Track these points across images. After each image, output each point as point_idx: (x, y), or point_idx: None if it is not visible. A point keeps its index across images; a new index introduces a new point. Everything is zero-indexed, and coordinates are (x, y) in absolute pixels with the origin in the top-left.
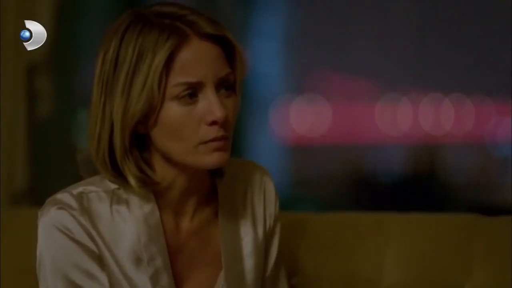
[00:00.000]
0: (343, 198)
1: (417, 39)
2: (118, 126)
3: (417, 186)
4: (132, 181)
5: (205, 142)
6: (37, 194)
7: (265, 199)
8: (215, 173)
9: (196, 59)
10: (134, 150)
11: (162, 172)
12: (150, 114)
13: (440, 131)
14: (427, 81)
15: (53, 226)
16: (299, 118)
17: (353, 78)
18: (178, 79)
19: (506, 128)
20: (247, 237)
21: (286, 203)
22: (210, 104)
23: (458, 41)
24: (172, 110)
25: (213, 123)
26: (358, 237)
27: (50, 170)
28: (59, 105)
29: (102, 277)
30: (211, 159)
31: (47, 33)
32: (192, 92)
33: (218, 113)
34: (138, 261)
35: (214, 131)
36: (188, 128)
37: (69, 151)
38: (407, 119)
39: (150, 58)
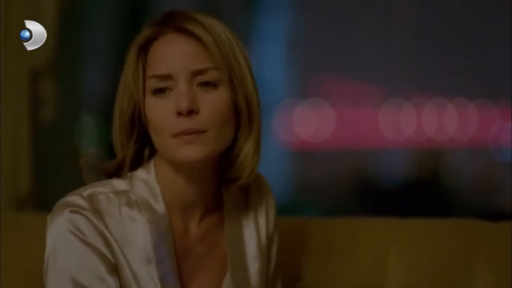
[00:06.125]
0: (346, 203)
1: (421, 44)
2: (116, 123)
3: (421, 191)
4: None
5: (176, 135)
6: (40, 199)
7: (267, 207)
8: (224, 181)
9: (167, 52)
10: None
11: (162, 171)
12: (141, 110)
13: (444, 136)
14: (430, 86)
15: (66, 229)
16: (302, 123)
17: (357, 83)
18: (150, 72)
19: (509, 133)
20: (251, 242)
21: (289, 208)
22: (178, 95)
23: (462, 46)
24: (150, 103)
25: (179, 114)
26: (361, 242)
27: (53, 175)
28: (63, 109)
29: (112, 281)
30: (182, 152)
31: (51, 37)
32: (165, 85)
33: (182, 103)
34: (148, 262)
35: (182, 123)
36: (161, 120)
37: (72, 156)
38: (411, 124)
39: (129, 53)
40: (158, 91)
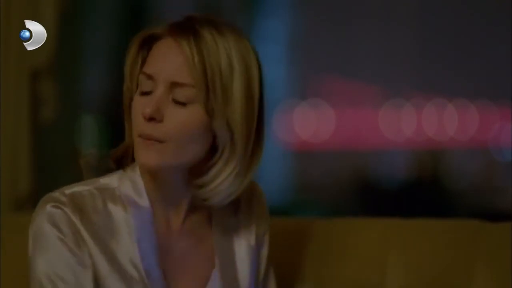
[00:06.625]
0: (346, 203)
1: (421, 44)
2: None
3: (421, 191)
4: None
5: (140, 136)
6: (40, 199)
7: (257, 209)
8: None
9: (160, 55)
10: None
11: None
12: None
13: (444, 136)
14: (430, 86)
15: (44, 224)
16: (302, 123)
17: (357, 84)
18: (144, 67)
19: (509, 134)
20: (241, 242)
21: (289, 208)
22: (150, 99)
23: (462, 46)
24: (135, 97)
25: (143, 115)
26: (361, 243)
27: (53, 175)
28: (63, 109)
29: (87, 278)
30: (141, 154)
31: (51, 38)
32: (148, 84)
33: (146, 108)
34: (132, 256)
35: (144, 127)
36: (134, 117)
37: (72, 156)
38: (411, 125)
39: (131, 44)
40: (144, 89)
